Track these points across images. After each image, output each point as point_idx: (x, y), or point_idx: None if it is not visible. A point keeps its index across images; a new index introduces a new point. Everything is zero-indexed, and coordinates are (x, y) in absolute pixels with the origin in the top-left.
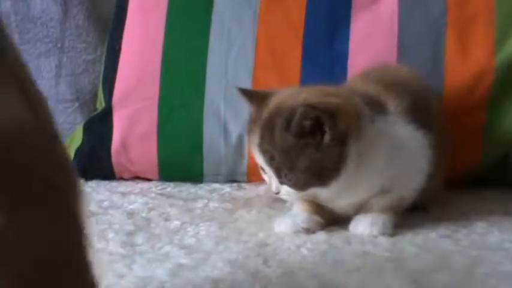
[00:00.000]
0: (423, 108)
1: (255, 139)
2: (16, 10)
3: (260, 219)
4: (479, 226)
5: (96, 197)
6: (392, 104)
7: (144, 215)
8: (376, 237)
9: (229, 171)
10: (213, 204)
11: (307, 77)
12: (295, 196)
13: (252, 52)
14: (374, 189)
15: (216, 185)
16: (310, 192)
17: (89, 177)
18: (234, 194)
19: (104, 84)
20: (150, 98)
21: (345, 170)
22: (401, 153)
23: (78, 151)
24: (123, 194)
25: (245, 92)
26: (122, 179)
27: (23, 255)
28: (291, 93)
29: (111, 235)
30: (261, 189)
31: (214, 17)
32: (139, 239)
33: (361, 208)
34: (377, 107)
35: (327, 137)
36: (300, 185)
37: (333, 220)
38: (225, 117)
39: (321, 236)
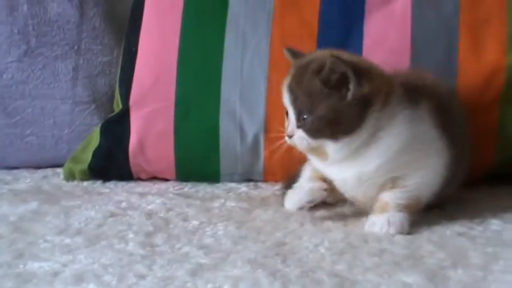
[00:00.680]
0: (447, 113)
1: (287, 80)
2: (33, 13)
3: (277, 218)
4: (494, 223)
5: (115, 197)
6: (423, 103)
7: (162, 215)
8: (393, 235)
9: (245, 171)
10: (230, 204)
11: None
12: (306, 145)
13: (267, 53)
14: (381, 172)
15: (233, 185)
16: (320, 149)
17: (106, 178)
18: (251, 194)
19: (120, 86)
20: (167, 98)
21: (359, 133)
22: (418, 148)
23: (95, 152)
24: (141, 195)
25: (291, 52)
26: (139, 179)
27: None
28: (334, 50)
29: (130, 236)
30: (276, 188)
31: (230, 19)
32: (158, 239)
33: (371, 202)
34: (412, 97)
35: (349, 94)
36: (313, 131)
37: (340, 199)
38: (241, 117)
39: (338, 234)
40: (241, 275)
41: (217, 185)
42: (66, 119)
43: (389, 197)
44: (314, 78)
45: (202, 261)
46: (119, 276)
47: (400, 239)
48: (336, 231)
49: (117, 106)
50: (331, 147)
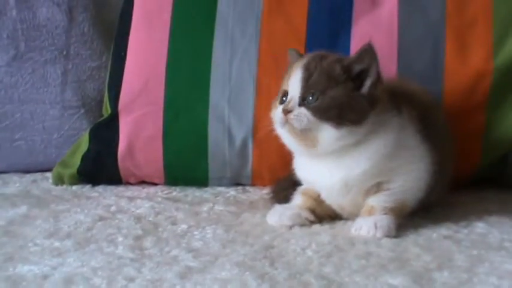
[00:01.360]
0: (430, 121)
1: (302, 61)
2: (22, 18)
3: (265, 222)
4: (480, 226)
5: (104, 201)
6: (406, 111)
7: (151, 219)
8: (380, 239)
9: (233, 175)
10: (218, 208)
11: None
12: (305, 123)
13: (255, 57)
14: (368, 176)
15: (221, 189)
16: (310, 135)
17: (95, 182)
18: (239, 197)
19: (109, 90)
20: (156, 103)
21: (359, 127)
22: (403, 154)
23: (84, 157)
24: (130, 199)
25: (297, 52)
26: (128, 183)
27: None
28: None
29: (120, 239)
30: (265, 192)
31: (218, 23)
32: (147, 243)
33: (357, 211)
34: (397, 106)
35: (364, 89)
36: (320, 111)
37: (329, 217)
38: (229, 122)
39: (326, 237)
40: (230, 278)
41: (206, 189)
42: (55, 124)
43: (374, 200)
44: (336, 63)
45: (191, 264)
46: (108, 279)
47: (387, 242)
48: (323, 234)
49: (106, 111)
50: (326, 133)
